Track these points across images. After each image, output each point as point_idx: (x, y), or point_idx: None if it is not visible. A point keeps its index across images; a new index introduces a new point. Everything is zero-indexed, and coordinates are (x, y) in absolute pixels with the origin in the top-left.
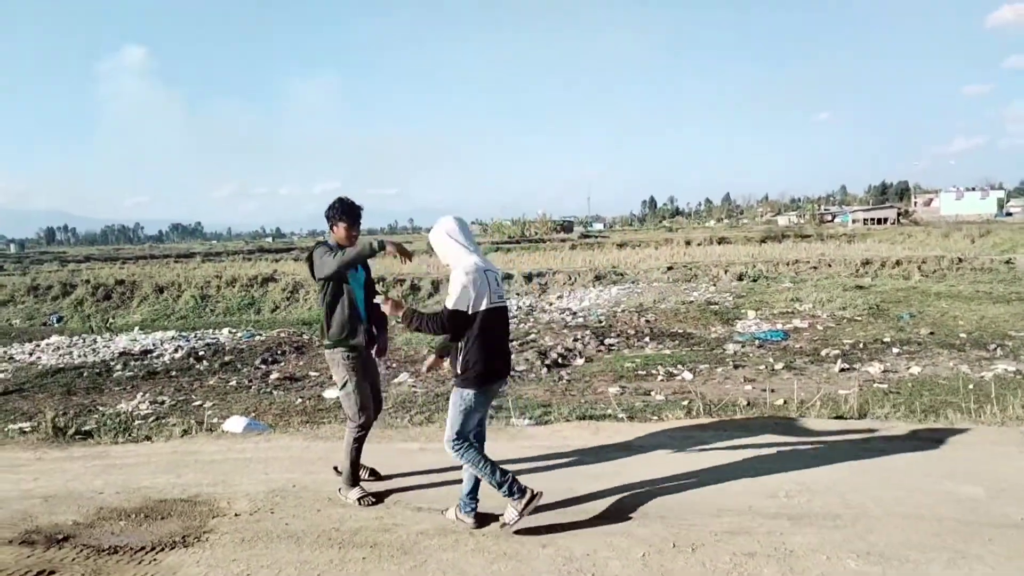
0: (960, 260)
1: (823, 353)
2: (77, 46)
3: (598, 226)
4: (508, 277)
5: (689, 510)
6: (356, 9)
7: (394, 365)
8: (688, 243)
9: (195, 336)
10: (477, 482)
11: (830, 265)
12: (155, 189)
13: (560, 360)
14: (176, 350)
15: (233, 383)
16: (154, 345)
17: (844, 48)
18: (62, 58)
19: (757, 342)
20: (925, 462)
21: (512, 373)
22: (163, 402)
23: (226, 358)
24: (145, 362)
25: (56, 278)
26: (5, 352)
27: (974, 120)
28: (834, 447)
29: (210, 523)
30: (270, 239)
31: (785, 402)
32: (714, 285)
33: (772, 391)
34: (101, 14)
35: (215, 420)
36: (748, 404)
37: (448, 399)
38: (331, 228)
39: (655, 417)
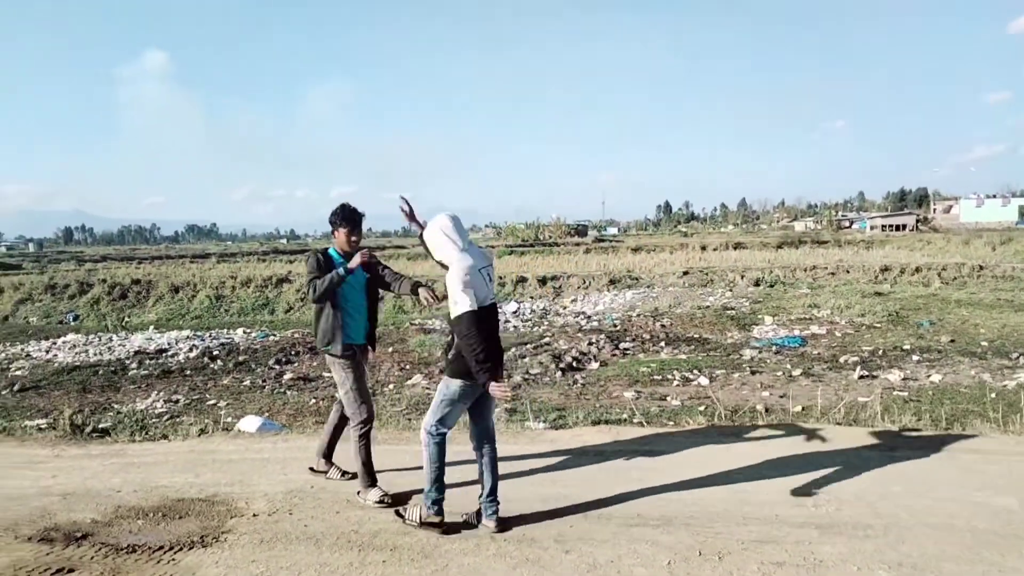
0: (981, 267)
1: (842, 360)
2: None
3: (612, 230)
4: (522, 280)
5: (714, 518)
6: (372, 17)
7: (407, 367)
8: (704, 248)
9: (210, 336)
10: (496, 484)
11: (848, 271)
12: (172, 190)
13: (575, 364)
14: (191, 349)
15: (247, 383)
16: (169, 344)
17: (863, 56)
18: (83, 63)
19: (774, 348)
20: (955, 472)
21: (527, 376)
22: (178, 401)
23: (240, 358)
24: (160, 361)
25: (73, 277)
26: (22, 349)
27: (995, 127)
28: (859, 455)
29: (228, 523)
30: (284, 240)
31: (804, 409)
32: (730, 290)
33: (790, 397)
34: (123, 19)
35: (229, 419)
36: (767, 410)
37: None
38: (333, 233)
39: (671, 423)
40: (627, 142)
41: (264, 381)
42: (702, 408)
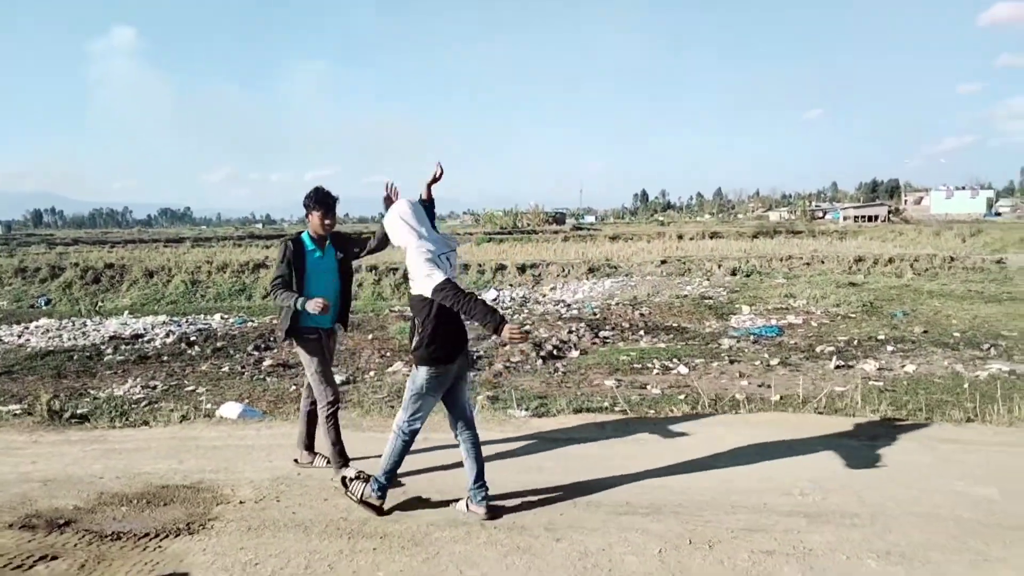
0: (952, 259)
1: (818, 349)
2: (65, 26)
3: (590, 218)
4: (502, 268)
5: (702, 506)
6: None
7: (388, 354)
8: (680, 237)
9: (186, 321)
10: (481, 469)
11: (823, 262)
12: (144, 173)
13: (555, 352)
14: (167, 335)
15: (226, 369)
16: (145, 329)
17: (837, 46)
18: (50, 38)
19: (752, 337)
20: (936, 462)
21: (508, 364)
22: (156, 387)
23: (218, 344)
24: (136, 346)
25: (44, 260)
26: None
27: (965, 119)
28: (841, 444)
29: (215, 510)
30: (260, 225)
31: (782, 398)
32: (708, 279)
33: (769, 386)
34: None
35: (209, 406)
36: (747, 399)
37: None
38: (307, 216)
39: (653, 411)
40: (605, 131)
41: (243, 367)
42: (683, 396)
